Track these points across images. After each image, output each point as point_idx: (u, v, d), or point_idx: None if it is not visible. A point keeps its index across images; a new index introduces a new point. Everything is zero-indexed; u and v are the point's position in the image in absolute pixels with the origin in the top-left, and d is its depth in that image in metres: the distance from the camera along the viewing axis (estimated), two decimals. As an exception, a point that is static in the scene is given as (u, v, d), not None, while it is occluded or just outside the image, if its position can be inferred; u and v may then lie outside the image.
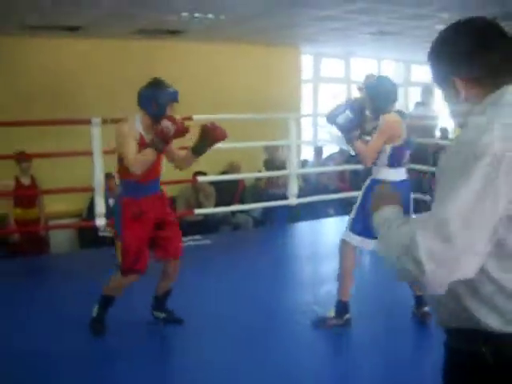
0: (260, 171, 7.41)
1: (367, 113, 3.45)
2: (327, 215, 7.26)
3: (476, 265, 1.15)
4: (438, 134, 7.68)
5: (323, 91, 9.73)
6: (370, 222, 1.38)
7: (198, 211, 6.28)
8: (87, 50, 6.90)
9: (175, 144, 3.32)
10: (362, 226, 3.24)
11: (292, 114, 6.80)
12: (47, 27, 6.05)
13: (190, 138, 3.23)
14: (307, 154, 8.96)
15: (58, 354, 3.21)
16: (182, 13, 5.85)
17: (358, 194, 3.53)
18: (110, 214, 4.98)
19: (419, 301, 3.52)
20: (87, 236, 6.48)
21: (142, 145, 3.11)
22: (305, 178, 7.87)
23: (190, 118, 5.05)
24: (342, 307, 3.45)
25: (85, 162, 5.62)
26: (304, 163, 8.38)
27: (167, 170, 3.55)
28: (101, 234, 6.13)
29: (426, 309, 3.46)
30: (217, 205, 6.92)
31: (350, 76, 9.94)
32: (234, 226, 7.25)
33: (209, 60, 7.72)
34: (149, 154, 3.05)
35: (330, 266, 4.18)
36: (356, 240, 3.36)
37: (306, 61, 9.32)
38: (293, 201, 6.35)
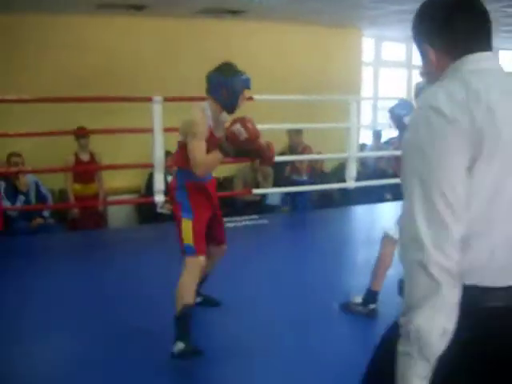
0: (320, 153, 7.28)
1: None
2: (384, 200, 7.17)
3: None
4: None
5: (384, 75, 9.54)
6: None
7: (255, 191, 6.31)
8: (150, 29, 6.97)
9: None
10: None
11: (353, 97, 6.71)
12: (114, 5, 6.15)
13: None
14: (365, 137, 8.82)
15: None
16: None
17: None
18: (168, 191, 5.06)
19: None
20: (145, 212, 6.59)
21: (210, 138, 2.94)
22: (362, 162, 7.76)
23: (250, 98, 5.04)
24: (370, 296, 3.40)
25: (143, 139, 5.75)
26: (362, 147, 8.25)
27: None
28: (159, 210, 6.25)
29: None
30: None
31: (411, 60, 9.69)
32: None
33: (269, 40, 7.67)
34: (216, 158, 2.88)
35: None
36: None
37: (367, 44, 9.14)
38: (351, 184, 6.31)
